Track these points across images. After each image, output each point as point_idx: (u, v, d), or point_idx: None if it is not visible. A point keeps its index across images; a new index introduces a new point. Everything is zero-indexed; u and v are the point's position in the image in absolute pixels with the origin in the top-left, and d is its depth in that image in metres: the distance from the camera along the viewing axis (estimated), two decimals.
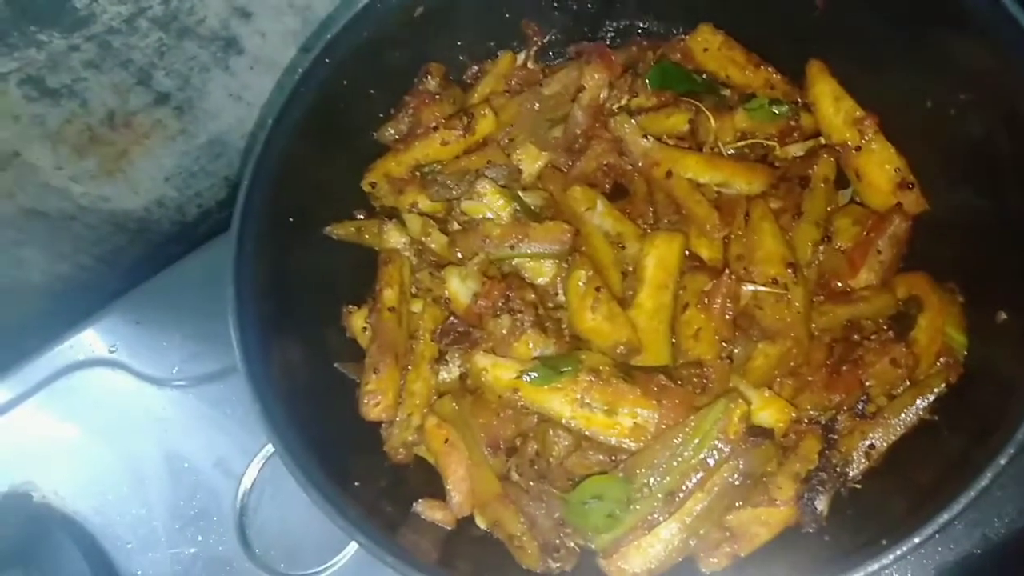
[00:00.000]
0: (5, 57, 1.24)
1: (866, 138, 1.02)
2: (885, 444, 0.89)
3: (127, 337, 1.40)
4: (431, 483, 1.01)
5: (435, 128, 1.12)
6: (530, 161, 1.13)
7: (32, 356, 1.42)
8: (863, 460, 0.89)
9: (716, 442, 0.84)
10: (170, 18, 1.35)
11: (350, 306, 1.11)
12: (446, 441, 0.97)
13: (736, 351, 0.94)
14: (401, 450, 0.99)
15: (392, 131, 1.18)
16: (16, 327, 1.62)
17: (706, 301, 0.95)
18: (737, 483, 0.85)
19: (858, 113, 1.03)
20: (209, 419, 1.31)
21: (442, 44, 1.19)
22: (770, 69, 1.11)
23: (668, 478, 0.85)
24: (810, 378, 0.94)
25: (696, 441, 0.85)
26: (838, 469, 0.88)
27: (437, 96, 1.17)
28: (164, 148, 1.54)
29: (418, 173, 1.15)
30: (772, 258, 0.95)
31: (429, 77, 1.17)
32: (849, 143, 1.03)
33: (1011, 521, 0.95)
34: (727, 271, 0.95)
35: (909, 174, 1.01)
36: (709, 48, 1.12)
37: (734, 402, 0.85)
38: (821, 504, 0.87)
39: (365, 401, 0.97)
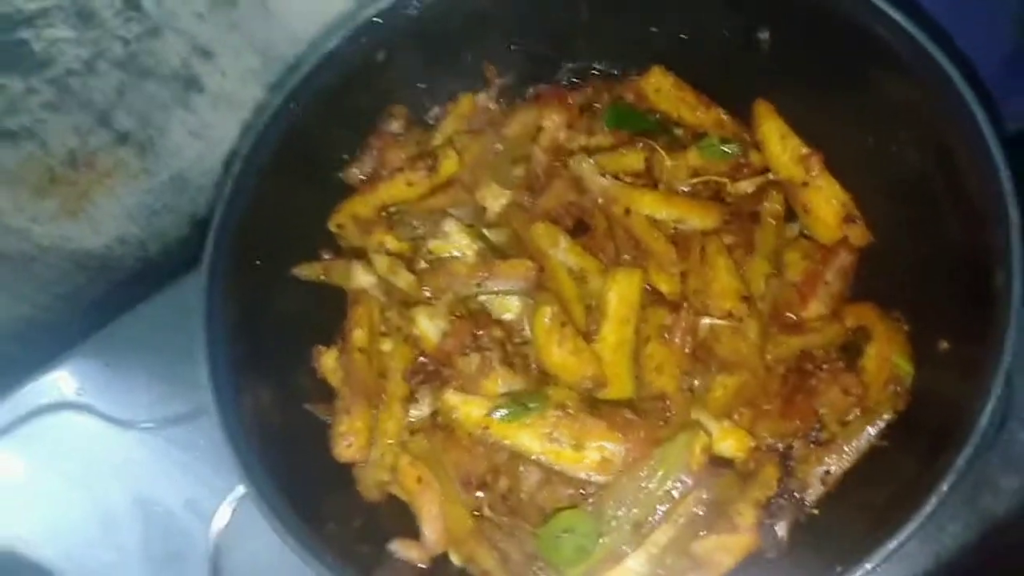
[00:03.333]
0: None
1: (812, 174, 1.07)
2: (840, 469, 0.94)
3: (95, 379, 1.40)
4: (404, 521, 1.03)
5: (400, 169, 1.15)
6: (493, 199, 1.16)
7: None
8: (820, 486, 0.93)
9: (680, 474, 0.88)
10: (130, 59, 1.35)
11: (320, 346, 1.13)
12: (419, 479, 0.99)
13: (696, 383, 0.97)
14: (374, 489, 1.01)
15: (357, 172, 1.20)
16: None
17: (667, 335, 0.99)
18: (701, 513, 0.89)
19: (804, 151, 1.08)
20: (179, 461, 1.31)
21: (404, 86, 1.22)
22: (719, 109, 1.16)
23: (635, 510, 0.88)
24: (766, 407, 0.98)
25: (661, 473, 0.88)
26: (796, 495, 0.92)
27: (400, 137, 1.19)
28: (126, 187, 1.54)
29: (384, 213, 1.17)
30: (727, 292, 0.99)
31: (392, 119, 1.20)
32: (796, 179, 1.08)
33: (958, 536, 1.00)
34: (685, 305, 0.99)
35: (854, 208, 1.06)
36: (661, 89, 1.17)
37: (696, 434, 0.89)
38: (781, 530, 0.91)
39: (338, 443, 0.99)
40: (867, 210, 1.06)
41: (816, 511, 0.94)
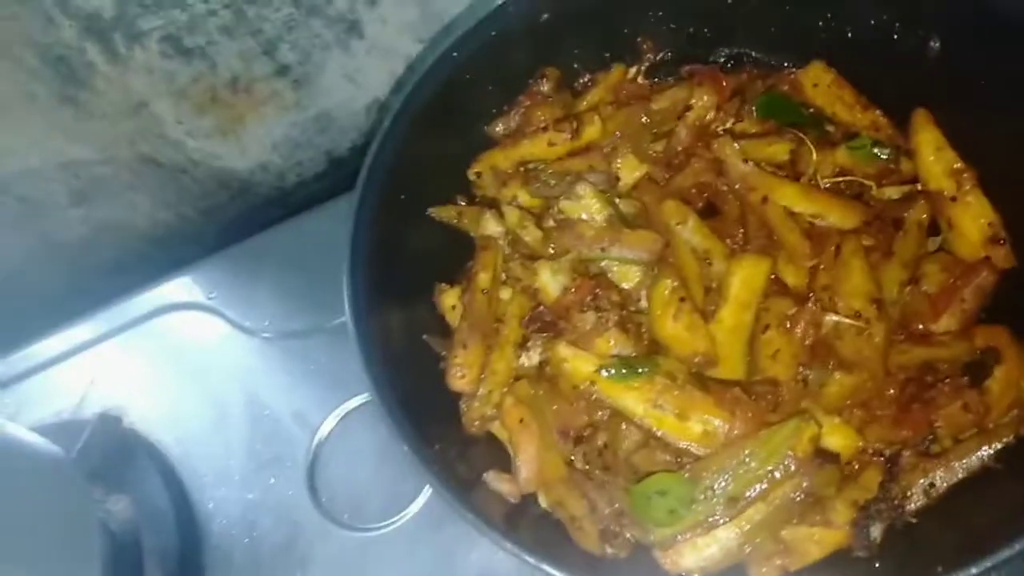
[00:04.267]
0: (152, 15, 1.34)
1: (963, 190, 1.04)
2: (946, 484, 0.92)
3: (224, 287, 1.50)
4: (497, 460, 1.07)
5: (544, 128, 1.19)
6: (629, 170, 1.19)
7: (136, 292, 1.52)
8: (922, 497, 0.92)
9: (785, 458, 0.88)
10: None
11: (443, 284, 1.18)
12: (521, 420, 1.02)
13: (811, 376, 0.97)
14: (477, 423, 1.05)
15: (502, 127, 1.24)
16: (116, 264, 1.74)
17: (788, 325, 0.99)
18: (798, 500, 0.89)
19: (957, 165, 1.06)
20: (292, 372, 1.39)
21: (560, 50, 1.25)
22: (877, 111, 1.14)
23: (733, 485, 0.89)
24: (879, 412, 0.97)
25: (765, 454, 0.89)
26: (896, 502, 0.91)
27: (549, 99, 1.23)
28: (277, 117, 1.63)
29: (522, 169, 1.21)
30: (858, 292, 0.98)
31: (544, 80, 1.24)
32: (945, 193, 1.06)
33: None
34: (812, 298, 0.98)
35: (1001, 230, 1.03)
36: (819, 84, 1.16)
37: (807, 423, 0.89)
38: (875, 532, 0.90)
39: (452, 372, 1.04)
40: (1016, 233, 1.03)
41: (914, 520, 0.92)
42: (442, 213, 1.21)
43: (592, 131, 1.19)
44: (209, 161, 1.67)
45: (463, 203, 1.24)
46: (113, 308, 1.51)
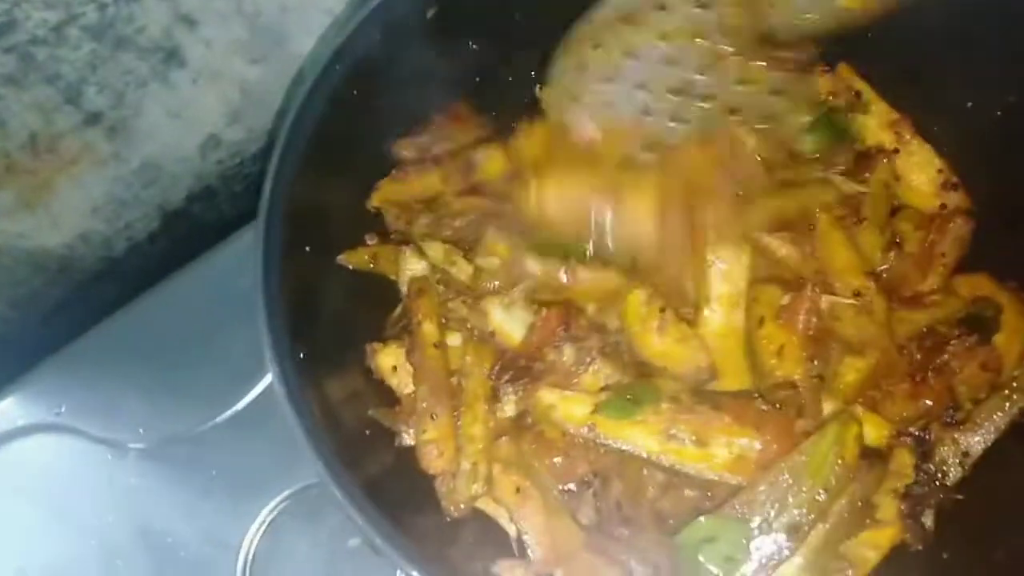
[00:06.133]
0: None
1: (904, 140, 1.02)
2: (979, 449, 0.88)
3: (73, 397, 1.21)
4: (486, 538, 0.91)
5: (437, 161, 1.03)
6: None
7: None
8: (959, 469, 0.87)
9: (835, 467, 0.79)
10: (105, 27, 1.18)
11: (374, 344, 0.98)
12: (518, 490, 0.86)
13: (824, 368, 0.89)
14: (462, 503, 0.88)
15: (407, 149, 1.06)
16: None
17: (785, 316, 0.90)
18: (856, 508, 0.81)
19: (892, 116, 1.03)
20: (186, 484, 1.14)
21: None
22: None
23: (789, 512, 0.78)
24: (892, 389, 0.91)
25: (813, 468, 0.79)
26: (936, 481, 0.85)
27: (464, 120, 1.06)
28: (92, 175, 1.36)
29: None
30: (851, 268, 0.91)
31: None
32: (886, 146, 1.03)
33: None
34: (809, 284, 0.90)
35: (951, 174, 1.01)
36: None
37: (847, 423, 0.80)
38: (928, 519, 0.84)
39: (427, 452, 0.85)
40: (967, 176, 1.01)
41: (959, 496, 0.87)
42: (354, 259, 1.02)
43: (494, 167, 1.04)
44: (13, 243, 1.37)
45: (374, 242, 1.05)
46: None
